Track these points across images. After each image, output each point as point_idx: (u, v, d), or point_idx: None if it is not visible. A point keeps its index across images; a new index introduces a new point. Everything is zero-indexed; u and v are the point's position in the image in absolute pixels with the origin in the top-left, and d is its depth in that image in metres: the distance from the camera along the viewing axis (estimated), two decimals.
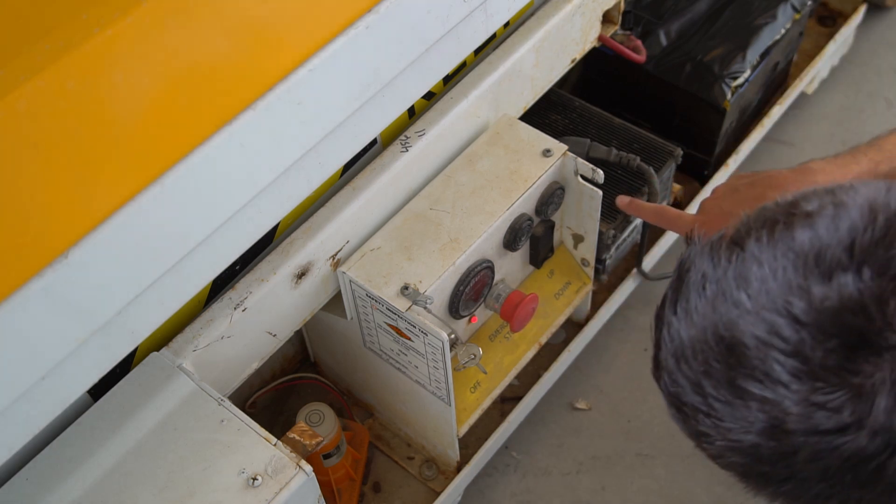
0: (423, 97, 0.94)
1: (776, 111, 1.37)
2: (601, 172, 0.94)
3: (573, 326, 1.18)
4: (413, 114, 0.94)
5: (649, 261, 1.23)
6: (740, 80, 1.21)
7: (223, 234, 0.70)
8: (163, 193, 0.62)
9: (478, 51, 0.98)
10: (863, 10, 1.49)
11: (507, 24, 1.00)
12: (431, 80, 0.86)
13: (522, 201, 0.91)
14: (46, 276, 0.57)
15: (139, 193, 0.61)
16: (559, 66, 1.06)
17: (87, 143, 0.56)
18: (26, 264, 0.57)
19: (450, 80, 0.97)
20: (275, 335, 0.86)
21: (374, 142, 0.91)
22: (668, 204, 1.26)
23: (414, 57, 0.79)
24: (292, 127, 0.70)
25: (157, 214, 0.63)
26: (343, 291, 0.89)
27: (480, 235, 0.88)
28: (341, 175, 0.90)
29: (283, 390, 1.13)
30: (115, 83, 0.56)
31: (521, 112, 1.03)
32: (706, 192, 1.11)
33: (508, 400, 1.12)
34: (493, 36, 0.95)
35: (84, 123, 0.55)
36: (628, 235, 1.16)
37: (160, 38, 0.57)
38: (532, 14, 1.01)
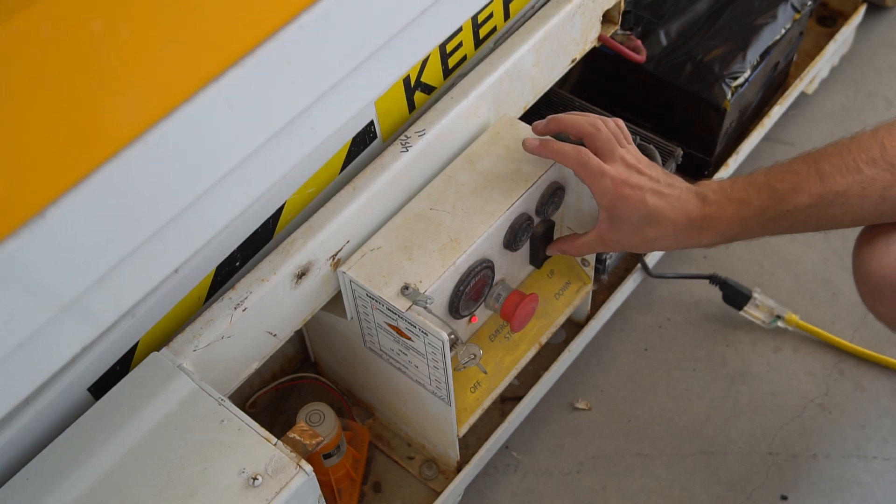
0: (423, 91, 0.94)
1: (776, 111, 1.37)
2: None
3: (573, 326, 1.18)
4: (413, 107, 0.94)
5: (650, 260, 1.23)
6: (740, 80, 1.21)
7: (210, 199, 0.67)
8: (146, 152, 0.59)
9: (478, 44, 0.98)
10: (863, 10, 1.49)
11: (507, 18, 1.00)
12: (429, 45, 0.83)
13: (523, 201, 0.91)
14: (20, 237, 0.55)
15: (120, 151, 0.58)
16: (559, 66, 1.06)
17: (63, 96, 0.53)
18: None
19: (450, 74, 0.97)
20: (275, 335, 0.86)
21: (374, 136, 0.91)
22: None
23: (411, 18, 0.77)
24: (281, 87, 0.68)
25: (139, 174, 0.60)
26: (343, 291, 0.89)
27: (481, 235, 0.88)
28: (340, 171, 0.90)
29: (283, 390, 1.13)
30: (94, 31, 0.53)
31: (521, 112, 1.03)
32: None
33: (508, 400, 1.12)
34: (494, 29, 0.95)
35: (60, 73, 0.53)
36: None
37: None
38: (532, 14, 1.01)
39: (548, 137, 0.92)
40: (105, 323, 0.66)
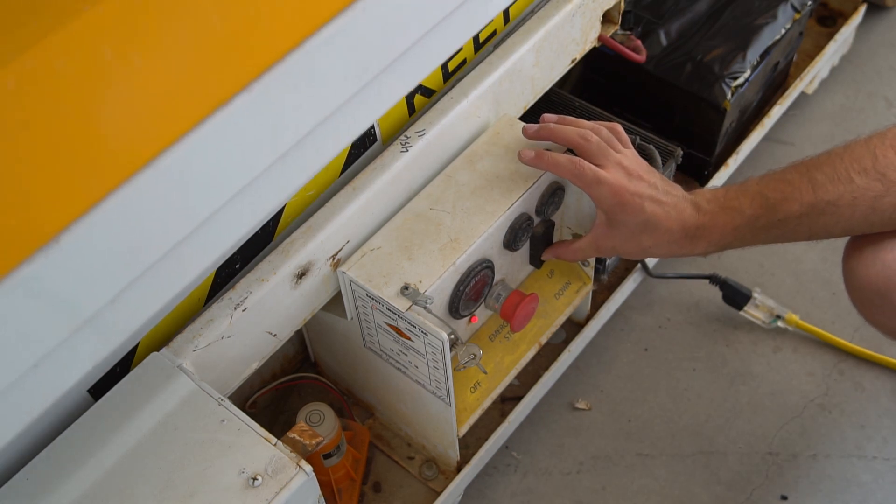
0: (423, 95, 0.94)
1: (776, 111, 1.37)
2: None
3: (573, 326, 1.18)
4: (413, 110, 0.94)
5: (650, 260, 1.23)
6: (740, 80, 1.21)
7: (219, 220, 0.69)
8: (156, 177, 0.60)
9: (478, 48, 0.98)
10: (863, 10, 1.49)
11: (507, 22, 1.00)
12: (430, 66, 0.85)
13: (523, 201, 0.91)
14: (37, 261, 0.56)
15: (131, 177, 0.59)
16: (559, 66, 1.06)
17: (77, 124, 0.54)
18: (15, 250, 0.55)
19: (450, 78, 0.97)
20: (275, 335, 0.86)
21: (374, 140, 0.91)
22: None
23: (413, 41, 0.78)
24: (288, 111, 0.69)
25: (150, 199, 0.61)
26: (343, 291, 0.89)
27: (481, 235, 0.88)
28: (341, 174, 0.90)
29: (283, 390, 1.13)
30: (106, 63, 0.54)
31: (521, 112, 1.03)
32: None
33: (508, 400, 1.12)
34: (494, 33, 0.95)
35: (74, 103, 0.54)
36: None
37: (152, 17, 0.56)
38: (532, 14, 1.01)
39: (543, 149, 0.92)
40: (115, 342, 0.67)
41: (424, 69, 0.85)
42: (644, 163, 0.90)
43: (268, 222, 0.84)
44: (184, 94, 0.61)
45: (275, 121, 0.68)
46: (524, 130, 0.93)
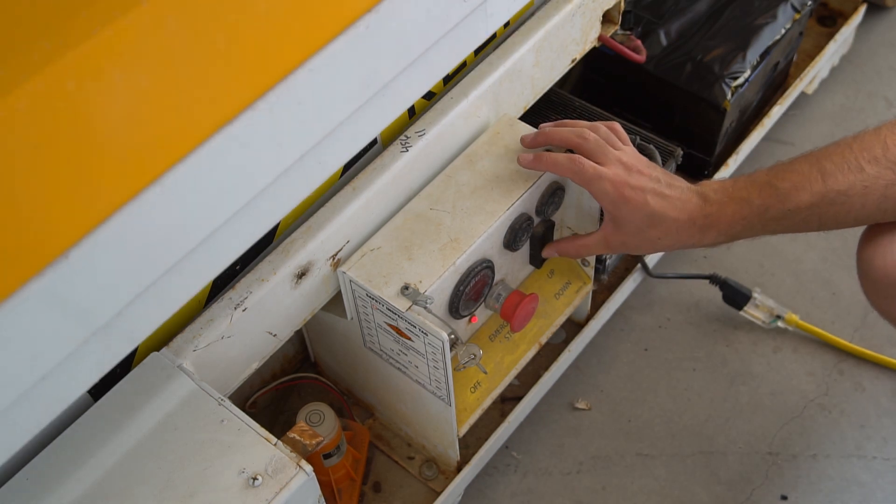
0: (423, 97, 0.94)
1: (776, 111, 1.37)
2: None
3: (573, 326, 1.18)
4: (413, 114, 0.94)
5: (650, 260, 1.23)
6: (740, 80, 1.21)
7: (223, 234, 0.70)
8: (163, 193, 0.62)
9: (478, 51, 0.98)
10: (863, 10, 1.49)
11: (507, 24, 1.00)
12: (431, 81, 0.86)
13: (523, 201, 0.91)
14: (47, 275, 0.57)
15: (139, 193, 0.61)
16: (559, 66, 1.06)
17: (86, 143, 0.56)
18: (26, 264, 0.57)
19: (450, 81, 0.97)
20: (275, 335, 0.86)
21: (374, 142, 0.91)
22: None
23: (414, 57, 0.79)
24: (293, 127, 0.70)
25: (158, 214, 0.62)
26: (343, 291, 0.89)
27: (481, 235, 0.88)
28: (341, 175, 0.90)
29: (283, 390, 1.13)
30: (115, 83, 0.56)
31: (521, 112, 1.03)
32: None
33: (508, 400, 1.12)
34: (494, 36, 0.95)
35: (84, 123, 0.55)
36: None
37: (160, 38, 0.57)
38: (532, 14, 1.01)
39: (541, 151, 0.92)
40: (121, 353, 0.68)
41: (424, 85, 0.85)
42: (644, 158, 0.89)
43: None
44: (188, 113, 0.62)
45: (277, 139, 0.69)
46: (522, 140, 0.93)
